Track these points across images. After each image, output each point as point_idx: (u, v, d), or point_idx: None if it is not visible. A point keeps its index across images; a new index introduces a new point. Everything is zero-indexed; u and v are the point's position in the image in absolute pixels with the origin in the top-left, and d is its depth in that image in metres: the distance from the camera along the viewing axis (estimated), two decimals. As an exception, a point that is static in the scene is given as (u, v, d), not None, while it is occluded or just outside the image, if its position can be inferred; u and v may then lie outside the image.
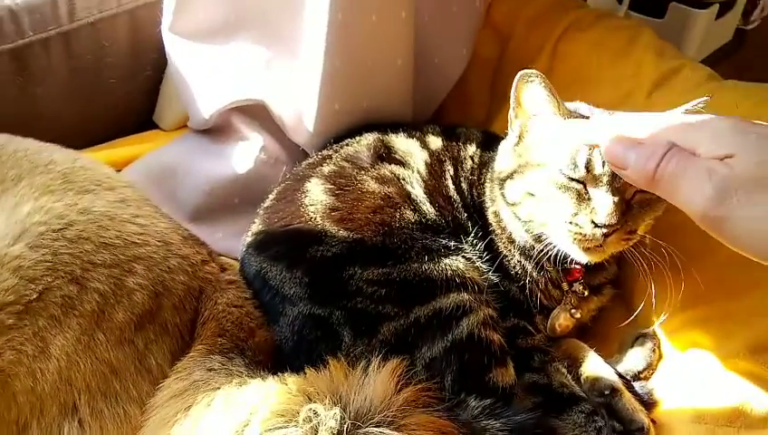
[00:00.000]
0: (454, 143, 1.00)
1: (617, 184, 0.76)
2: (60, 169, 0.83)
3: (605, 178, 0.76)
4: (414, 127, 1.04)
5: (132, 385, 0.72)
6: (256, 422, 0.64)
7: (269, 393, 0.68)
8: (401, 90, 1.07)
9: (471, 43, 1.16)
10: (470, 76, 1.20)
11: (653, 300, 0.84)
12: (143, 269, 0.76)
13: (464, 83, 1.20)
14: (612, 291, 0.95)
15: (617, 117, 0.78)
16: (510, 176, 0.86)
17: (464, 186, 0.96)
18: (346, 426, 0.66)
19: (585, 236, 0.78)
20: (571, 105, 0.87)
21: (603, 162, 0.76)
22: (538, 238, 0.85)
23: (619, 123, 0.70)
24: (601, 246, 0.79)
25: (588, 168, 0.77)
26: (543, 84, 0.82)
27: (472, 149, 0.99)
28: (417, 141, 0.99)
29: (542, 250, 0.84)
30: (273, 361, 0.81)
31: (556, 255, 0.83)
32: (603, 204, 0.76)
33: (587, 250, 0.80)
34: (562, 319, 0.91)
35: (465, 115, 1.19)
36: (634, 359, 0.87)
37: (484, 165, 0.97)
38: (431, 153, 0.98)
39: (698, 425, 0.76)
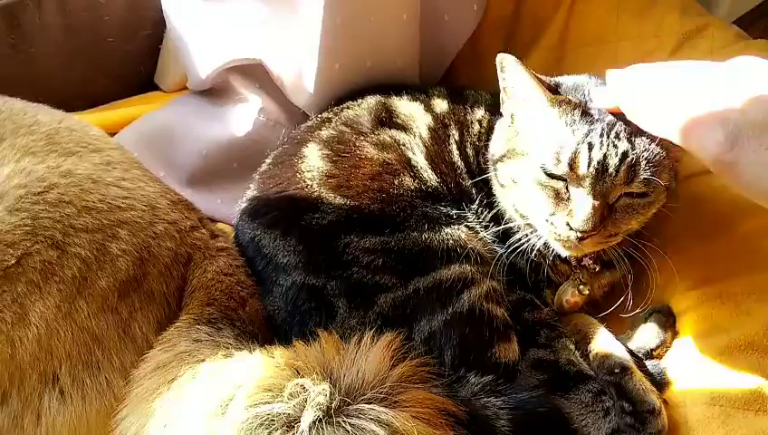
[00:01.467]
0: (461, 106, 0.95)
1: (601, 187, 0.72)
2: (44, 131, 0.80)
3: (588, 180, 0.72)
4: (419, 89, 0.99)
5: (115, 354, 0.69)
6: (241, 397, 0.61)
7: (255, 367, 0.65)
8: (407, 48, 1.01)
9: (483, -1, 1.10)
10: (482, 34, 1.13)
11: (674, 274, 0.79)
12: (127, 234, 0.73)
13: (475, 42, 1.14)
14: (626, 265, 0.90)
15: (635, 70, 0.72)
16: (500, 159, 0.83)
17: (469, 151, 0.91)
18: (335, 402, 0.63)
19: (559, 236, 0.76)
20: (569, 79, 0.82)
21: (589, 162, 0.72)
22: (528, 224, 0.82)
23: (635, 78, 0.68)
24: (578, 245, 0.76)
25: (571, 165, 0.73)
26: (523, 70, 0.77)
27: (480, 112, 0.94)
28: (422, 104, 0.94)
29: (531, 233, 0.81)
30: (266, 332, 0.77)
31: (545, 242, 0.80)
32: (581, 208, 0.73)
33: (565, 247, 0.77)
34: (570, 295, 0.87)
35: (477, 77, 1.12)
36: (647, 336, 0.83)
37: (491, 130, 0.91)
38: (435, 117, 0.93)
39: (713, 407, 0.72)
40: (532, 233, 0.81)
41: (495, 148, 0.85)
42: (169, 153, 1.06)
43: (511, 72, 0.80)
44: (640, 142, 0.72)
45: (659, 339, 0.82)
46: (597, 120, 0.74)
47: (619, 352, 0.80)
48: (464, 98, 0.97)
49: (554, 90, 0.80)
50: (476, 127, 0.92)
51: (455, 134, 0.92)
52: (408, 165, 0.86)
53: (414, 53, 1.03)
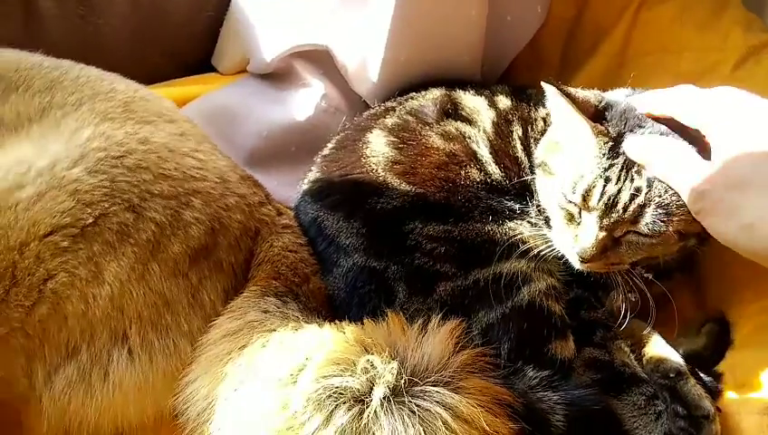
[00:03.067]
0: (524, 104, 0.95)
1: (608, 220, 0.73)
2: (121, 98, 0.82)
3: (596, 213, 0.73)
4: (482, 85, 0.99)
5: (184, 319, 0.70)
6: (312, 367, 0.62)
7: (326, 340, 0.65)
8: (472, 44, 1.02)
9: (546, 0, 1.10)
10: (543, 37, 1.14)
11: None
12: (200, 204, 0.74)
13: (535, 44, 1.14)
14: (681, 276, 0.90)
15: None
16: (539, 165, 0.84)
17: (533, 148, 0.91)
18: (402, 381, 0.63)
19: (567, 253, 0.78)
20: (620, 101, 0.81)
21: (601, 196, 0.72)
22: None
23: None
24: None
25: (585, 196, 0.74)
26: (562, 97, 0.76)
27: (544, 111, 0.94)
28: (485, 99, 0.95)
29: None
30: (327, 310, 0.78)
31: None
32: (585, 236, 0.74)
33: (572, 261, 0.78)
34: (620, 300, 0.87)
35: (535, 79, 1.12)
36: (700, 344, 0.83)
37: (552, 130, 0.92)
38: (499, 113, 0.93)
39: (766, 417, 0.71)
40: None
41: (538, 152, 0.86)
42: (229, 133, 1.06)
43: (553, 100, 0.80)
44: (659, 186, 0.71)
45: (714, 347, 0.82)
46: (622, 154, 0.74)
47: (674, 357, 0.79)
48: (527, 96, 0.97)
49: (601, 113, 0.78)
50: (541, 124, 0.92)
51: (518, 130, 0.92)
52: (474, 157, 0.86)
53: (479, 51, 1.04)
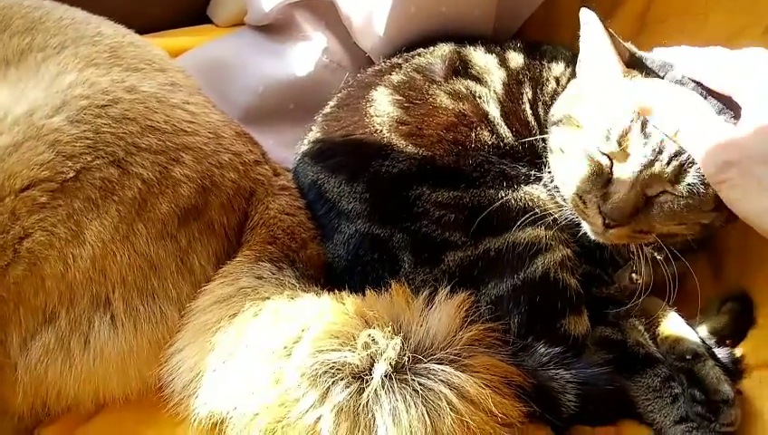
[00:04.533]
0: (537, 62, 0.89)
1: (647, 173, 0.66)
2: (108, 43, 0.76)
3: (635, 162, 0.66)
4: (494, 42, 0.93)
5: (172, 285, 0.66)
6: (308, 340, 0.58)
7: (324, 311, 0.61)
8: (485, -1, 0.95)
9: (566, -44, 1.04)
10: (557, -3, 1.07)
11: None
12: (191, 160, 0.69)
13: (550, 4, 1.07)
14: (694, 256, 0.84)
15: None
16: (556, 122, 0.78)
17: (541, 111, 0.86)
18: (406, 358, 0.60)
19: (587, 216, 0.71)
20: (660, 56, 0.75)
21: (645, 143, 0.66)
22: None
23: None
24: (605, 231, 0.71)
25: (620, 142, 0.67)
26: (603, 31, 0.71)
27: (558, 69, 0.88)
28: (497, 57, 0.89)
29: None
30: (325, 278, 0.73)
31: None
32: (618, 191, 0.67)
33: (592, 229, 0.73)
34: (627, 280, 0.82)
35: (549, 40, 1.06)
36: (721, 323, 0.78)
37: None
38: (510, 73, 0.87)
39: (791, 401, 0.67)
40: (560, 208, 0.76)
41: (556, 109, 0.80)
42: (223, 88, 1.00)
43: (590, 31, 0.74)
44: None
45: (734, 326, 0.78)
46: None
47: (691, 337, 0.76)
48: (541, 53, 0.90)
49: (638, 62, 0.73)
50: (552, 84, 0.86)
51: (528, 92, 0.86)
52: (485, 118, 0.81)
53: (492, 5, 0.97)
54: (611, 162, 0.69)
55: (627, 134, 0.67)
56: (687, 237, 0.73)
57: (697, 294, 0.84)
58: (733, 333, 0.78)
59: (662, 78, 0.71)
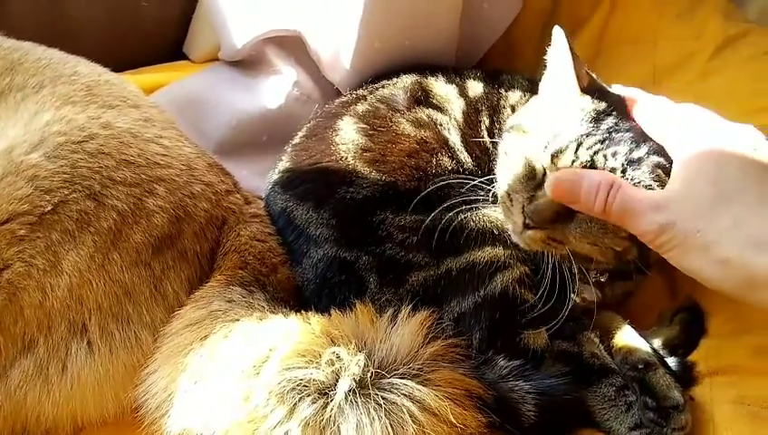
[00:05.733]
0: (495, 90, 0.94)
1: None
2: (84, 81, 0.79)
3: None
4: (455, 71, 0.97)
5: (146, 310, 0.68)
6: (276, 359, 0.61)
7: (291, 331, 0.64)
8: (447, 31, 1.00)
9: (523, -12, 1.09)
10: (518, 27, 1.12)
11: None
12: (164, 191, 0.72)
13: (510, 35, 1.12)
14: (644, 277, 0.86)
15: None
16: (508, 129, 0.82)
17: (498, 138, 0.90)
18: (369, 374, 0.63)
19: (511, 214, 0.75)
20: (626, 91, 0.79)
21: (573, 160, 0.69)
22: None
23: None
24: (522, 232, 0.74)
25: (553, 158, 0.71)
26: (567, 51, 0.75)
27: (515, 97, 0.92)
28: (456, 87, 0.93)
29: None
30: (295, 301, 0.77)
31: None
32: (543, 196, 0.71)
33: (512, 230, 0.76)
34: (578, 299, 0.85)
35: (509, 67, 1.11)
36: (673, 333, 0.82)
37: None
38: (468, 102, 0.92)
39: (740, 406, 0.71)
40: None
41: (510, 119, 0.85)
42: (198, 121, 1.04)
43: (556, 48, 0.77)
44: (634, 174, 0.68)
45: (685, 336, 0.82)
46: (608, 130, 0.71)
47: (643, 347, 0.79)
48: (500, 82, 0.95)
49: (598, 89, 0.77)
50: (508, 112, 0.91)
51: (485, 120, 0.90)
52: (446, 145, 0.85)
53: (454, 37, 1.02)
54: (544, 170, 0.73)
55: (561, 152, 0.71)
56: (603, 264, 0.77)
57: (652, 307, 0.89)
58: (685, 342, 0.82)
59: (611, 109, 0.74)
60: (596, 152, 0.70)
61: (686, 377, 0.77)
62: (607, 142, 0.70)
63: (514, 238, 0.76)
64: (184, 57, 1.24)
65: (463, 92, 0.93)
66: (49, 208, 0.66)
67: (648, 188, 0.67)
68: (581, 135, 0.71)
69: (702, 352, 0.80)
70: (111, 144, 0.71)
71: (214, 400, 0.61)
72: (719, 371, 0.76)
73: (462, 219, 0.78)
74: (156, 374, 0.64)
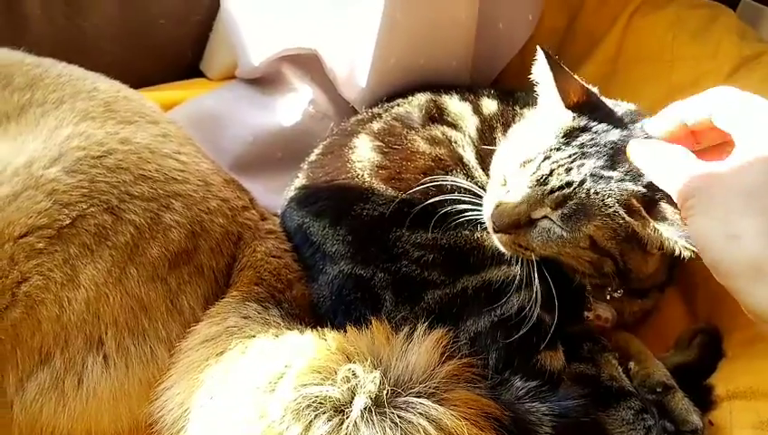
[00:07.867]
0: (510, 108, 0.94)
1: (531, 196, 0.71)
2: (103, 97, 0.80)
3: (525, 184, 0.71)
4: (469, 89, 0.98)
5: (162, 325, 0.68)
6: (291, 375, 0.60)
7: (307, 348, 0.64)
8: (462, 49, 1.01)
9: (538, 9, 1.10)
10: (533, 46, 1.12)
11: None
12: (181, 207, 0.72)
13: (525, 53, 1.13)
14: (660, 295, 0.87)
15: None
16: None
17: None
18: (385, 392, 0.62)
19: (485, 217, 0.76)
20: (621, 106, 0.79)
21: (534, 171, 0.70)
22: None
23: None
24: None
25: (521, 166, 0.72)
26: (546, 67, 0.76)
27: (530, 113, 0.92)
28: (470, 105, 0.94)
29: None
30: (311, 318, 0.76)
31: None
32: (506, 203, 0.72)
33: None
34: (591, 315, 0.85)
35: (525, 87, 1.12)
36: (692, 356, 0.81)
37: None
38: (483, 119, 0.92)
39: (760, 431, 0.70)
40: None
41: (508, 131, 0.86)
42: (215, 138, 1.05)
43: (538, 66, 0.79)
44: (591, 187, 0.69)
45: (705, 359, 0.80)
46: (582, 146, 0.71)
47: (661, 370, 0.78)
48: (514, 99, 0.96)
49: (591, 103, 0.76)
50: None
51: (500, 137, 0.91)
52: (461, 162, 0.85)
53: (468, 56, 1.03)
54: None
55: (527, 163, 0.72)
56: (584, 272, 0.77)
57: (671, 329, 0.88)
58: (703, 365, 0.81)
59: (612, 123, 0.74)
60: (560, 166, 0.70)
61: (705, 401, 0.77)
62: (575, 158, 0.70)
63: (495, 240, 0.77)
64: (201, 75, 1.26)
65: (477, 110, 0.93)
66: (67, 222, 0.66)
67: (608, 207, 0.68)
68: (550, 148, 0.72)
69: (720, 376, 0.79)
70: (130, 159, 0.72)
71: (229, 416, 0.60)
72: (738, 394, 0.75)
73: (477, 237, 0.78)
74: (171, 390, 0.64)
